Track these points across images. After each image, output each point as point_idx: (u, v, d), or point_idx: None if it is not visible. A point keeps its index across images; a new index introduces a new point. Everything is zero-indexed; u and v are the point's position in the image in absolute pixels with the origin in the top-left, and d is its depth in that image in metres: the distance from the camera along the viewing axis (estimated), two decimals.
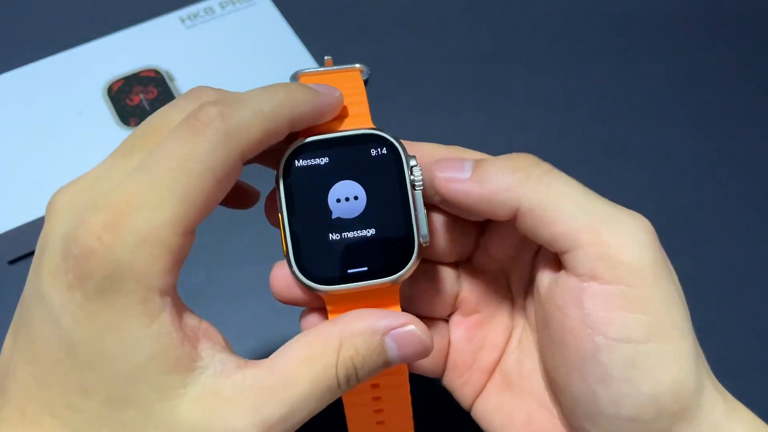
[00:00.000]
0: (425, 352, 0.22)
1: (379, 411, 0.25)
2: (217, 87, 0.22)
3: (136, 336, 0.18)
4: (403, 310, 0.23)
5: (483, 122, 0.48)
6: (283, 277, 0.23)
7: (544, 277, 0.23)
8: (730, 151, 0.47)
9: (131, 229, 0.18)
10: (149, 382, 0.18)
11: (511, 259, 0.26)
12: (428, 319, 0.26)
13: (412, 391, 0.25)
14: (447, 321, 0.27)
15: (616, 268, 0.20)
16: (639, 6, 0.54)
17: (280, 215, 0.22)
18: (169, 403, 0.19)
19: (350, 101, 0.24)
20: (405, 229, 0.22)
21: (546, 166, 0.22)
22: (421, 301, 0.26)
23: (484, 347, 0.26)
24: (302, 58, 0.46)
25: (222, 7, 0.49)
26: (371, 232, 0.22)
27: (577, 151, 0.47)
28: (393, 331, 0.21)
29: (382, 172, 0.22)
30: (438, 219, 0.25)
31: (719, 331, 0.39)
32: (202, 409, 0.19)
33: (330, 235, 0.22)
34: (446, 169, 0.22)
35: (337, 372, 0.20)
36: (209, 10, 0.49)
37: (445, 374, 0.27)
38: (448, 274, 0.27)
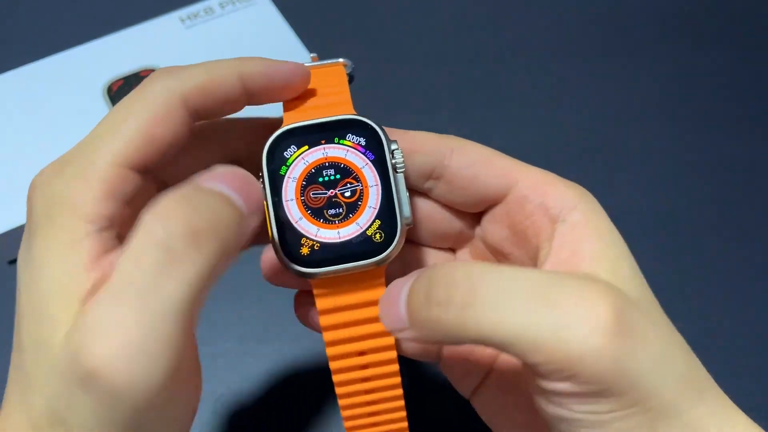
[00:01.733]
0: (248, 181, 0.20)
1: (372, 402, 0.26)
2: None
3: (52, 263, 0.18)
4: None
5: (482, 122, 0.48)
6: (273, 260, 0.23)
7: None
8: (730, 151, 0.47)
9: (72, 166, 0.19)
10: (47, 315, 0.18)
11: (507, 248, 0.26)
12: None
13: (411, 375, 0.25)
14: None
15: (575, 377, 0.18)
16: (639, 6, 0.54)
17: (264, 202, 0.23)
18: (53, 339, 0.18)
19: (332, 91, 0.24)
20: (388, 211, 0.23)
21: (464, 290, 0.19)
22: None
23: None
24: (302, 58, 0.45)
25: (222, 7, 0.49)
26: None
27: (577, 150, 0.47)
28: (204, 175, 0.19)
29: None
30: (430, 206, 0.26)
31: (719, 332, 0.39)
32: (67, 347, 0.17)
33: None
34: (390, 324, 0.21)
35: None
36: (209, 10, 0.49)
37: (443, 362, 0.27)
38: (442, 258, 0.27)
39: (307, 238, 0.22)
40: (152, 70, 0.45)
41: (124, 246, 0.17)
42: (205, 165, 0.23)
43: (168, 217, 0.17)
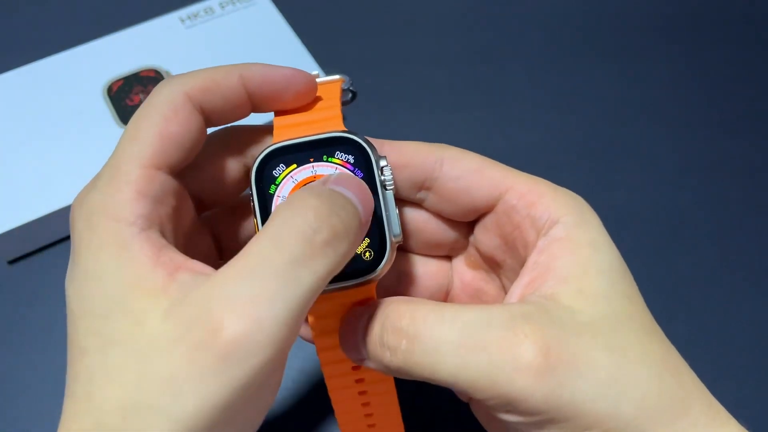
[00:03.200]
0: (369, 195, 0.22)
1: (366, 404, 0.26)
2: None
3: (107, 268, 0.19)
4: None
5: (483, 122, 0.48)
6: None
7: None
8: (730, 152, 0.47)
9: (102, 178, 0.21)
10: (124, 311, 0.18)
11: (500, 256, 0.26)
12: None
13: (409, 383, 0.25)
14: None
15: (514, 411, 0.20)
16: (639, 6, 0.54)
17: (254, 220, 0.23)
18: (138, 326, 0.18)
19: (323, 106, 0.24)
20: (377, 229, 0.23)
21: (408, 338, 0.21)
22: (409, 294, 0.27)
23: None
24: (302, 58, 0.46)
25: (222, 7, 0.49)
26: None
27: (577, 151, 0.47)
28: (329, 180, 0.21)
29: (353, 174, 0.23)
30: (423, 216, 0.26)
31: (718, 332, 0.39)
32: (173, 320, 0.18)
33: None
34: (351, 355, 0.23)
35: (313, 242, 0.18)
36: (209, 10, 0.49)
37: None
38: (437, 267, 0.27)
39: None
40: (152, 70, 0.45)
41: (255, 233, 0.19)
42: (228, 172, 0.24)
43: (310, 210, 0.19)
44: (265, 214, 0.23)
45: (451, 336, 0.20)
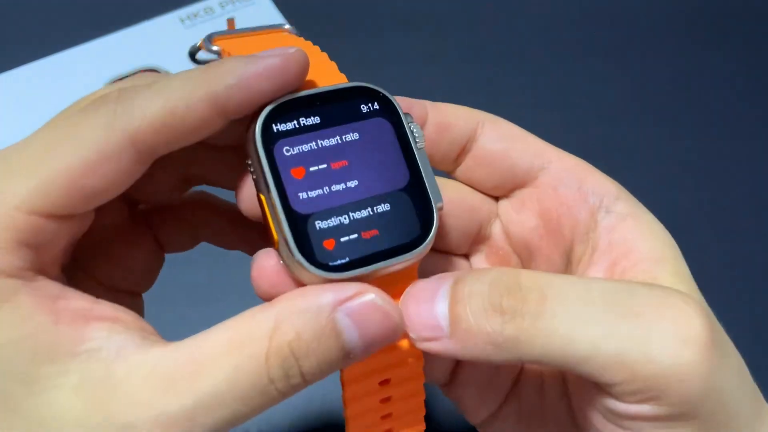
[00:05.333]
0: (394, 331, 0.17)
1: (386, 417, 0.21)
2: None
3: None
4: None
5: None
6: (272, 269, 0.18)
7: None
8: (730, 151, 0.47)
9: None
10: (14, 375, 0.16)
11: (535, 240, 0.22)
12: None
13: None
14: None
15: (660, 398, 0.16)
16: (639, 5, 0.54)
17: (262, 195, 0.18)
18: (41, 397, 0.15)
19: (314, 60, 0.19)
20: (418, 195, 0.18)
21: (534, 298, 0.16)
22: None
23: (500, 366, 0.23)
24: None
25: (222, 6, 0.49)
26: (380, 202, 0.18)
27: (576, 151, 0.46)
28: (345, 305, 0.16)
29: (379, 131, 0.19)
30: (446, 200, 0.20)
31: None
32: (84, 400, 0.15)
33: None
34: (420, 330, 0.17)
35: (268, 363, 0.16)
36: (209, 10, 0.49)
37: (452, 386, 0.23)
38: (456, 267, 0.23)
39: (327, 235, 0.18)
40: (152, 70, 0.45)
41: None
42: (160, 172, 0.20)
43: (285, 345, 0.16)
44: (280, 186, 0.17)
45: (596, 298, 0.16)
